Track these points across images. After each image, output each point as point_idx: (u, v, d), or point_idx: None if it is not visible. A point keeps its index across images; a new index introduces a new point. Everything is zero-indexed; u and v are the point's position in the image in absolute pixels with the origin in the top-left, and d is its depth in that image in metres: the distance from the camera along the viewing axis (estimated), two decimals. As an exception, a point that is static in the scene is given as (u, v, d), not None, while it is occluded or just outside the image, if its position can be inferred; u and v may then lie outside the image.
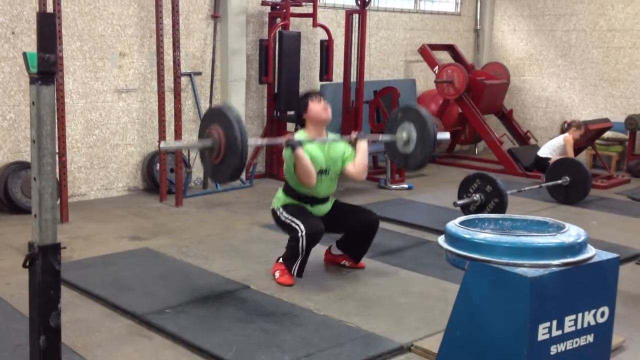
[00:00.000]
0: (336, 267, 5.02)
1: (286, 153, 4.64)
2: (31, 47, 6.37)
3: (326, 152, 4.73)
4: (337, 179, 4.86)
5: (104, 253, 5.27)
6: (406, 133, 4.83)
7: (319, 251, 5.00)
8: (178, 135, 6.92)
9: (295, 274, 4.64)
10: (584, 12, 10.20)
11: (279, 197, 4.81)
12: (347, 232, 4.90)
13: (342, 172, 4.81)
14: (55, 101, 3.83)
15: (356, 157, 4.75)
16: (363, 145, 4.75)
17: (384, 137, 5.03)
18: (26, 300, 2.71)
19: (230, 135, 4.01)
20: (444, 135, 5.34)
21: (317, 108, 4.69)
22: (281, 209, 4.73)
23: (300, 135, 4.71)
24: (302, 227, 4.54)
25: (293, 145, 4.52)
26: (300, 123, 4.85)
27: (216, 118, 4.15)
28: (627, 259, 5.30)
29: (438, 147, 9.27)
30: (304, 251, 4.57)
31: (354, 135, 4.82)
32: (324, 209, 4.82)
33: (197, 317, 4.04)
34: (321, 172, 4.68)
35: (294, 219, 4.61)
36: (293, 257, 4.61)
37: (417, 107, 4.85)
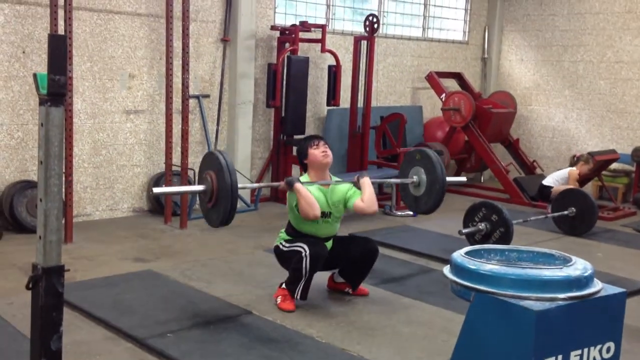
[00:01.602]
0: (339, 293, 4.99)
1: (289, 194, 4.68)
2: (41, 66, 6.42)
3: (329, 196, 4.75)
4: (339, 221, 4.88)
5: (107, 274, 5.26)
6: (417, 177, 4.98)
7: (322, 277, 4.98)
8: (184, 157, 6.93)
9: (298, 297, 4.62)
10: (592, 43, 10.24)
11: (281, 236, 4.85)
12: (347, 261, 4.88)
13: (350, 209, 4.80)
14: (64, 121, 3.84)
15: (363, 192, 4.73)
16: (367, 181, 4.76)
17: (392, 180, 5.20)
18: (28, 321, 2.69)
19: (222, 182, 4.07)
20: (459, 179, 5.83)
21: (317, 153, 4.74)
22: (283, 242, 4.76)
23: (303, 179, 4.74)
24: (305, 248, 4.56)
25: (291, 182, 4.58)
26: (303, 168, 4.89)
27: (210, 163, 4.21)
28: (633, 292, 5.24)
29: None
30: (307, 273, 4.55)
31: (356, 177, 4.82)
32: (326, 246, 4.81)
33: (198, 341, 4.02)
34: (323, 215, 4.69)
35: (297, 244, 4.63)
36: (296, 280, 4.60)
37: (434, 155, 4.93)
